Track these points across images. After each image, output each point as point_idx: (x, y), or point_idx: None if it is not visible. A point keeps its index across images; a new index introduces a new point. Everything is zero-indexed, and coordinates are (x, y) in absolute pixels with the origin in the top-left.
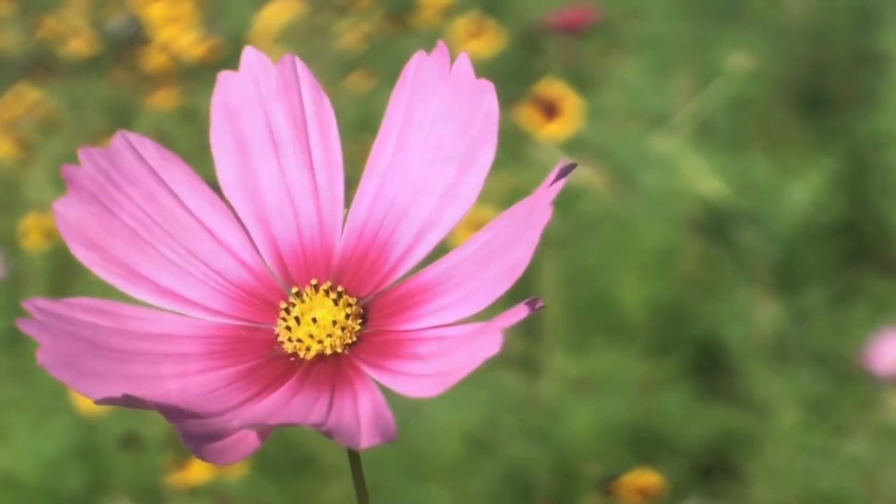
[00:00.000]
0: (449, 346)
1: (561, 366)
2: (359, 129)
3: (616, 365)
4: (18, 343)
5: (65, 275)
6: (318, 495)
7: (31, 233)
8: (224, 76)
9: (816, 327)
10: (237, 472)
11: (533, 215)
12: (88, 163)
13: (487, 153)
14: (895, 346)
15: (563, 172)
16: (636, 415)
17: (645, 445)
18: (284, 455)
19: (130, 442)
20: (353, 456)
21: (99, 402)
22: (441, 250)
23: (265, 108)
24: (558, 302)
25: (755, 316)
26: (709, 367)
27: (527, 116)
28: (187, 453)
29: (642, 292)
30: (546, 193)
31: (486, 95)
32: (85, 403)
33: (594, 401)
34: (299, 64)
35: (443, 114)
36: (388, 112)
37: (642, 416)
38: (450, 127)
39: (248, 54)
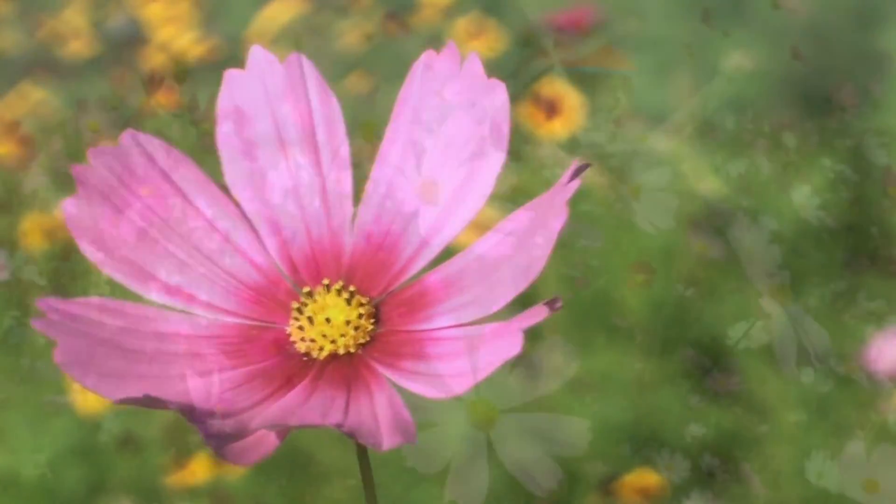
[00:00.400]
0: (466, 347)
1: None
2: (360, 129)
3: (616, 365)
4: (19, 343)
5: (66, 275)
6: (318, 495)
7: (31, 233)
8: (230, 75)
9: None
10: (237, 471)
11: (548, 215)
12: (98, 162)
13: (498, 152)
14: (895, 346)
15: (577, 172)
16: (636, 414)
17: (645, 445)
18: (284, 455)
19: (128, 442)
20: (362, 456)
21: (119, 402)
22: (449, 251)
23: (272, 108)
24: None
25: (756, 316)
26: (709, 367)
27: (527, 115)
28: (187, 453)
29: (642, 292)
30: (561, 193)
31: (498, 94)
32: (85, 403)
33: (594, 400)
34: (306, 63)
35: (452, 113)
36: (396, 111)
37: (642, 416)
38: (459, 126)
39: (255, 53)
